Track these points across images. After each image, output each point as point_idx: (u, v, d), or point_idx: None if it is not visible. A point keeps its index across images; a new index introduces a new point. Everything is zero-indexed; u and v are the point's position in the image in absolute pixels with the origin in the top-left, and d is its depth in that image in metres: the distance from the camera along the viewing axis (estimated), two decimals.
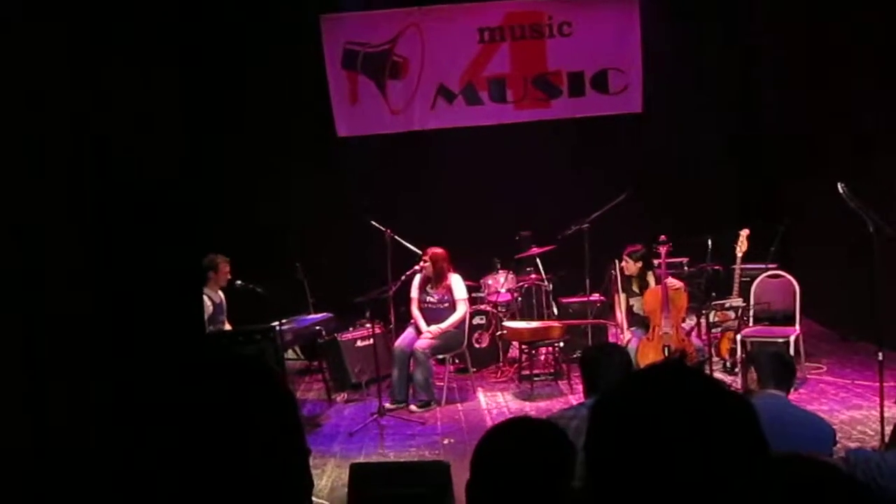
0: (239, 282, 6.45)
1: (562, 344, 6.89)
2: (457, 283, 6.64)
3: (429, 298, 6.68)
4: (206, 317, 6.10)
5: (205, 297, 6.22)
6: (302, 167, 8.38)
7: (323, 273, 7.88)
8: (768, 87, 8.59)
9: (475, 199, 8.44)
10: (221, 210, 7.71)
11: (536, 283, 7.59)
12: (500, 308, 7.59)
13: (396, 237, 6.84)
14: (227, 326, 6.45)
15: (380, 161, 8.66)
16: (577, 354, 6.48)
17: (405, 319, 6.96)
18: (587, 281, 7.07)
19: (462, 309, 6.64)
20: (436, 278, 6.56)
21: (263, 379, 1.28)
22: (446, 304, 6.64)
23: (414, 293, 6.73)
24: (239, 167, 8.16)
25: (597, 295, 7.30)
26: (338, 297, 7.34)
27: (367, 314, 7.13)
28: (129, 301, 2.07)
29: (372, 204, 7.71)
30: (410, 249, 6.94)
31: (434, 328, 6.55)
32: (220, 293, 6.55)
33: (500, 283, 7.70)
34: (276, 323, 5.75)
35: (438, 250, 6.57)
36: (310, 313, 7.16)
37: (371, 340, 6.62)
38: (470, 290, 7.21)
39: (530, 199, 8.39)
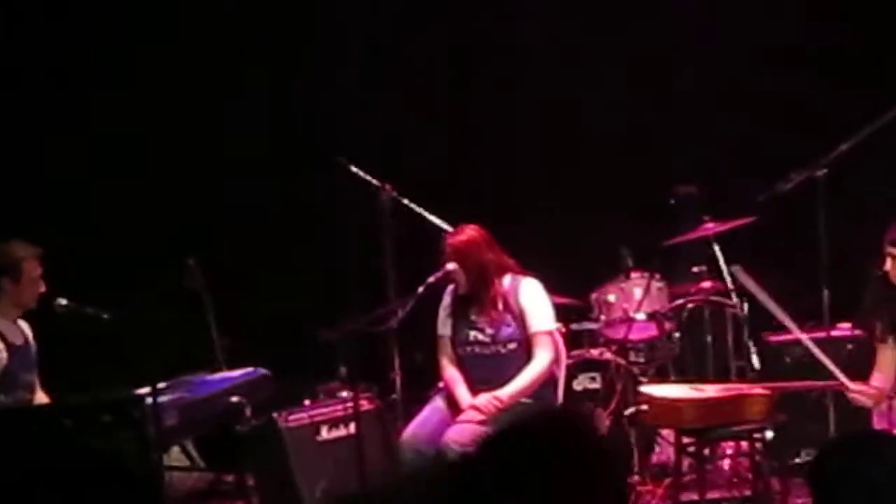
0: (63, 300, 6.50)
1: (769, 434, 6.93)
2: (531, 295, 6.73)
3: (472, 335, 6.78)
4: None
5: None
6: (203, 73, 8.75)
7: (248, 280, 8.03)
8: None
9: (573, 121, 8.62)
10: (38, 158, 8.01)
11: (714, 299, 7.72)
12: (634, 354, 7.71)
13: (405, 200, 6.99)
14: (41, 398, 6.60)
15: (370, 34, 9.03)
16: (805, 458, 6.64)
17: (426, 382, 7.08)
18: (824, 294, 6.85)
19: (546, 355, 6.67)
20: (476, 290, 6.69)
21: None
22: (513, 346, 6.72)
23: (443, 328, 6.87)
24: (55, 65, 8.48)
25: (846, 326, 7.25)
26: (278, 333, 7.53)
27: (342, 370, 7.23)
28: None
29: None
30: (436, 226, 7.12)
31: (485, 399, 6.57)
32: (24, 325, 6.60)
33: (636, 299, 7.77)
34: (146, 389, 5.88)
35: (466, 234, 6.75)
36: (219, 368, 7.27)
37: (351, 427, 6.76)
38: (566, 313, 7.34)
39: (695, 118, 8.52)
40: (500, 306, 6.65)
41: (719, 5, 8.90)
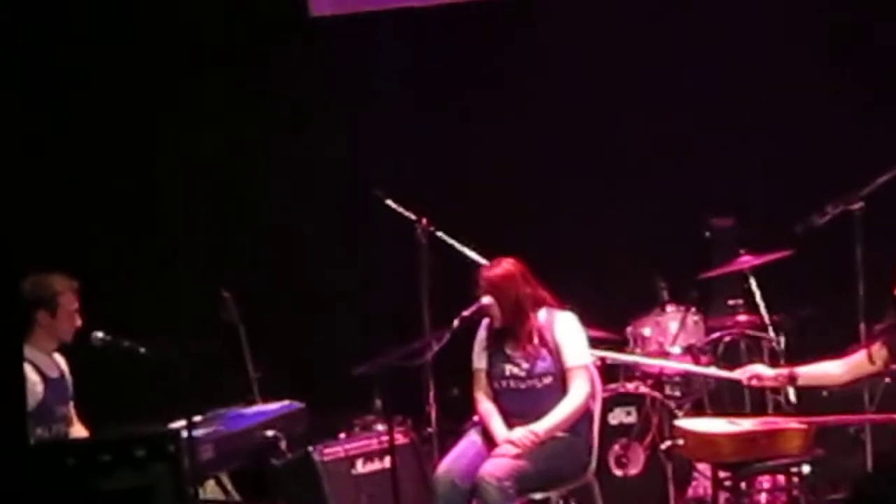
0: (99, 334, 6.50)
1: (806, 468, 6.83)
2: (566, 329, 6.72)
3: (508, 369, 6.76)
4: (30, 408, 6.08)
5: (26, 369, 6.09)
6: (235, 96, 8.85)
7: (280, 313, 8.05)
8: None
9: (608, 151, 8.72)
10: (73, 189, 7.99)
11: (750, 333, 7.67)
12: (670, 388, 7.72)
13: (440, 233, 7.07)
14: (78, 429, 6.63)
15: (404, 77, 9.03)
16: (842, 493, 6.60)
17: (462, 416, 7.12)
18: (860, 326, 6.81)
19: (582, 389, 6.66)
20: (511, 324, 6.69)
21: None
22: (549, 380, 6.69)
23: (479, 362, 6.85)
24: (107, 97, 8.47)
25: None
26: (313, 366, 7.57)
27: (378, 403, 7.28)
28: None
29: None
30: (470, 259, 7.14)
31: (521, 433, 6.56)
32: (60, 358, 6.61)
33: (671, 333, 7.81)
34: (182, 422, 5.89)
35: (502, 267, 6.74)
36: (254, 402, 7.31)
37: (386, 461, 6.76)
38: (601, 346, 7.35)
39: (732, 151, 8.56)
40: (536, 340, 6.62)
41: (757, 34, 8.89)
